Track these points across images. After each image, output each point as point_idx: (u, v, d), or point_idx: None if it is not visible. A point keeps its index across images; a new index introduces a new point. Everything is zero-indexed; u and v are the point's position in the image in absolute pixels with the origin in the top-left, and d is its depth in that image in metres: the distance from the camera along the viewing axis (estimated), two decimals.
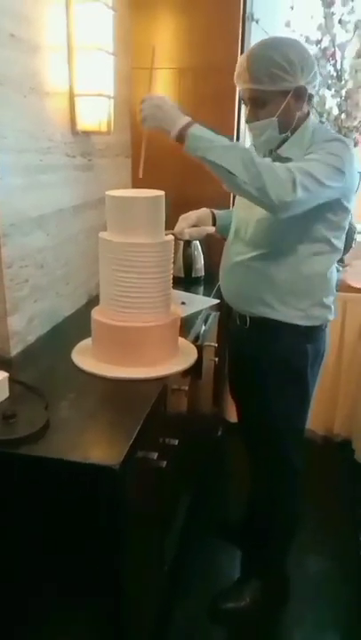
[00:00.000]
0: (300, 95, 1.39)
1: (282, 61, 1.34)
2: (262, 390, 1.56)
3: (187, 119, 1.30)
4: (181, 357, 1.48)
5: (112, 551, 1.09)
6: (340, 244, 1.49)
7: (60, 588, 1.16)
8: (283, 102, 1.38)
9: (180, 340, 1.56)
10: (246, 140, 2.37)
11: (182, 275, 2.32)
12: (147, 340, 1.38)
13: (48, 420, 1.14)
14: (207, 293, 2.18)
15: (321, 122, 2.50)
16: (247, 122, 1.47)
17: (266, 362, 1.53)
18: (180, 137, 1.28)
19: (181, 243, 2.31)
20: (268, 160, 1.32)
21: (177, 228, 1.62)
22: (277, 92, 1.37)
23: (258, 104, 1.41)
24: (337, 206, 1.41)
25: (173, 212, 1.62)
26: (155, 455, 1.27)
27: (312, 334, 1.51)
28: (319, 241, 1.44)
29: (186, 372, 1.53)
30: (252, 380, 1.59)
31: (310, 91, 1.41)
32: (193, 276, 2.33)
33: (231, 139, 1.30)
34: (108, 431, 1.17)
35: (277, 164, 1.33)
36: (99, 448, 1.10)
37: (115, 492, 1.04)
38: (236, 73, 1.42)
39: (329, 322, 1.55)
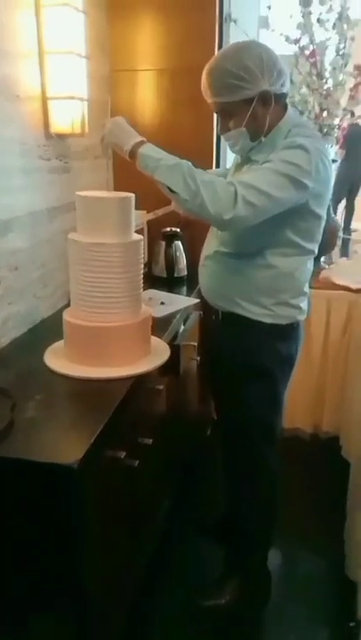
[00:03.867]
0: (267, 99, 1.36)
1: (237, 70, 1.32)
2: (231, 385, 1.57)
3: (140, 138, 1.33)
4: (153, 357, 1.49)
5: (73, 550, 1.10)
6: (311, 245, 1.48)
7: (19, 589, 1.17)
8: (248, 111, 1.36)
9: (154, 339, 1.57)
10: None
11: (165, 275, 2.33)
12: (115, 339, 1.39)
13: (12, 421, 1.16)
14: (190, 292, 2.19)
15: None
16: (220, 133, 1.49)
17: (233, 357, 1.54)
18: (132, 154, 1.32)
19: (163, 243, 2.33)
20: (211, 176, 1.32)
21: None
22: (240, 101, 1.36)
23: (225, 116, 1.42)
24: (307, 213, 1.40)
25: None
26: (122, 454, 1.28)
27: (281, 333, 1.51)
28: (286, 245, 1.43)
29: (162, 371, 1.54)
30: (222, 375, 1.61)
31: (279, 91, 1.38)
32: (175, 275, 2.34)
33: (181, 157, 1.32)
34: (71, 431, 1.18)
35: (221, 179, 1.33)
36: (60, 447, 1.11)
37: (74, 490, 1.05)
38: (201, 88, 1.42)
39: (300, 321, 1.55)
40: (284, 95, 1.43)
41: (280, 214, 1.34)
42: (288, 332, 1.53)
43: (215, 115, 1.50)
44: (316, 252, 1.52)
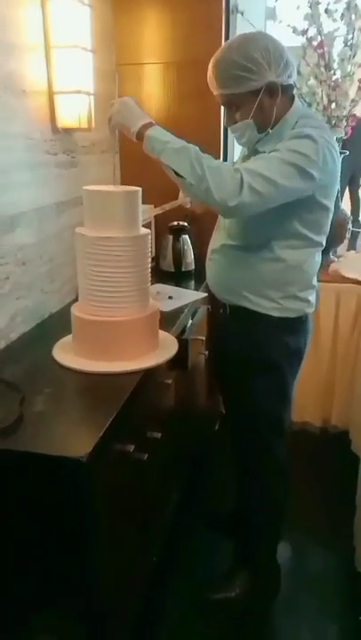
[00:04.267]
0: (274, 91, 1.35)
1: (244, 61, 1.31)
2: (239, 379, 1.57)
3: (148, 120, 1.31)
4: (161, 351, 1.49)
5: (82, 544, 1.11)
6: (319, 237, 1.47)
7: (26, 584, 1.17)
8: (255, 102, 1.36)
9: (162, 333, 1.57)
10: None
11: (172, 269, 2.33)
12: (123, 334, 1.39)
13: (21, 415, 1.16)
14: (197, 287, 2.19)
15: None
16: (226, 125, 1.48)
17: (241, 350, 1.53)
18: (140, 136, 1.30)
19: (171, 237, 2.33)
20: (218, 162, 1.31)
21: None
22: (247, 93, 1.35)
23: (231, 108, 1.41)
24: (313, 204, 1.39)
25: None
26: (131, 448, 1.28)
27: (288, 326, 1.50)
28: (294, 236, 1.42)
29: (170, 365, 1.54)
30: (230, 369, 1.61)
31: (286, 82, 1.37)
32: (183, 269, 2.34)
33: (188, 141, 1.31)
34: (80, 424, 1.18)
35: (228, 165, 1.32)
36: (69, 441, 1.11)
37: (83, 483, 1.05)
38: (208, 80, 1.41)
39: (308, 315, 1.54)
40: (291, 86, 1.41)
41: (287, 205, 1.33)
42: (296, 326, 1.52)
43: (222, 107, 1.48)
44: (325, 244, 1.51)
